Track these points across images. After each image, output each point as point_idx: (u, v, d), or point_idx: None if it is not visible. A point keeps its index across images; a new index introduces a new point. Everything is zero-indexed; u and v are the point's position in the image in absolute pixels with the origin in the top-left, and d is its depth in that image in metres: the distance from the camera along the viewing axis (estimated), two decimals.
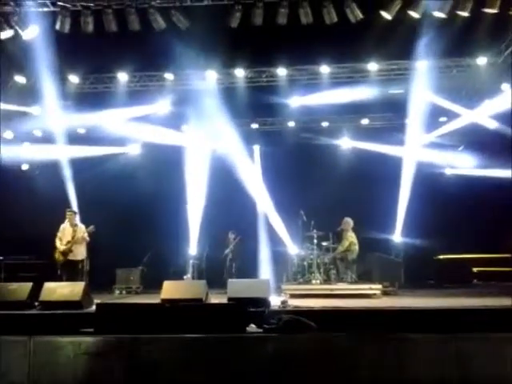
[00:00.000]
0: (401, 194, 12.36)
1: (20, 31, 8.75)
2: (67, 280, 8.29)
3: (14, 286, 7.41)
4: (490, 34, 9.44)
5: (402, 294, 9.57)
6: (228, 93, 11.60)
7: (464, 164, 12.56)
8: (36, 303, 7.25)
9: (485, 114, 11.52)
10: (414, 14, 8.72)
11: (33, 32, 8.92)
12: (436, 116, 12.37)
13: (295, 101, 12.16)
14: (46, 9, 8.91)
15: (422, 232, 11.97)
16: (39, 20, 8.93)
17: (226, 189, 12.05)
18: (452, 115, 12.18)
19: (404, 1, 8.63)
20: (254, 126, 13.49)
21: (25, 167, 12.96)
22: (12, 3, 8.69)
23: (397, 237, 12.39)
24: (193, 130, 12.96)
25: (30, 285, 7.37)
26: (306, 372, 5.35)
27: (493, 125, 11.36)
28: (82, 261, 8.90)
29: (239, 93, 11.65)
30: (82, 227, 8.98)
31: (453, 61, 11.11)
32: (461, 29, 8.93)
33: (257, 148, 13.78)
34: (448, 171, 13.20)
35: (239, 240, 11.35)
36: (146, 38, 9.07)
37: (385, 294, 9.27)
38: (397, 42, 9.47)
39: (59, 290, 7.24)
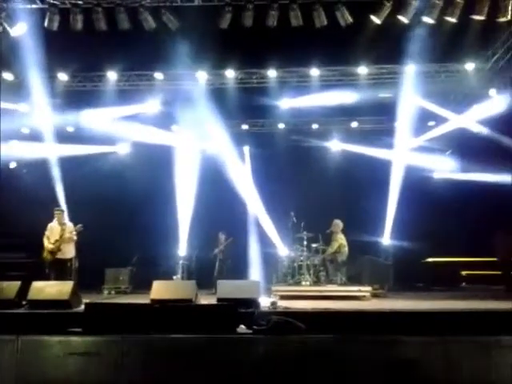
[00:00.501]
0: (390, 196, 12.45)
1: (8, 28, 8.66)
2: (55, 279, 8.19)
3: (1, 284, 7.30)
4: (478, 40, 9.55)
5: (391, 297, 9.62)
6: (218, 94, 11.60)
7: (452, 168, 12.68)
8: (24, 302, 7.16)
9: (473, 119, 11.65)
10: (403, 19, 8.80)
11: (21, 29, 8.83)
12: (424, 120, 12.49)
13: (285, 103, 12.19)
14: (34, 6, 8.82)
15: (410, 235, 12.04)
16: (27, 17, 8.83)
17: (215, 189, 12.04)
18: (440, 119, 12.30)
19: (393, 5, 8.70)
20: (245, 127, 13.50)
21: (12, 165, 12.82)
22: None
23: (386, 239, 12.48)
24: (183, 130, 12.93)
25: (18, 283, 7.27)
26: (295, 373, 5.36)
27: (480, 130, 11.49)
28: (71, 259, 8.82)
29: (229, 94, 11.64)
30: (70, 226, 8.90)
31: (441, 66, 11.23)
32: (449, 34, 9.02)
33: (247, 149, 13.80)
34: (436, 175, 13.31)
35: (231, 241, 11.33)
36: (136, 37, 9.02)
37: (374, 296, 9.31)
38: (386, 46, 9.56)
39: (47, 289, 7.16)
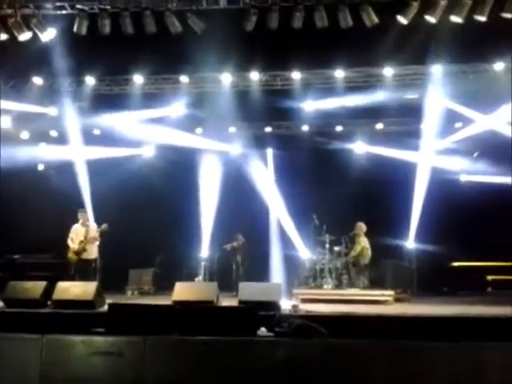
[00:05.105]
0: (415, 199, 12.24)
1: (38, 33, 8.83)
2: (80, 279, 8.37)
3: (28, 284, 7.51)
4: (508, 39, 9.30)
5: (414, 301, 9.50)
6: (242, 96, 11.60)
7: (479, 170, 12.41)
8: (49, 302, 7.33)
9: (501, 120, 11.38)
10: (431, 19, 8.65)
11: (51, 34, 9.00)
12: (451, 121, 12.22)
13: (309, 105, 12.09)
14: (64, 11, 8.99)
15: (435, 238, 11.80)
16: (57, 22, 9.00)
17: (238, 192, 12.07)
18: (467, 121, 12.04)
19: (420, 5, 8.56)
20: (268, 129, 13.45)
21: (41, 167, 13.12)
22: (31, 6, 8.78)
23: (410, 243, 12.26)
24: (207, 132, 13.00)
25: (43, 284, 7.47)
26: (317, 377, 5.34)
27: (509, 131, 11.22)
28: (95, 260, 9.01)
29: (253, 96, 11.62)
30: (94, 226, 9.08)
31: (470, 66, 10.99)
32: (478, 34, 8.80)
33: (270, 151, 13.76)
34: (463, 177, 13.06)
35: (242, 243, 11.34)
36: (163, 40, 9.11)
37: (397, 300, 9.21)
38: (413, 47, 9.37)
39: (72, 289, 7.33)
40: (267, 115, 12.56)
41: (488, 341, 5.50)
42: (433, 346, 5.43)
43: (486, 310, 7.76)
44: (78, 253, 8.75)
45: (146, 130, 12.48)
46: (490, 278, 11.50)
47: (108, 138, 12.58)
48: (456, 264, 12.02)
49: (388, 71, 10.95)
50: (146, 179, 12.74)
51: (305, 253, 11.24)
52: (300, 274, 10.75)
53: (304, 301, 8.71)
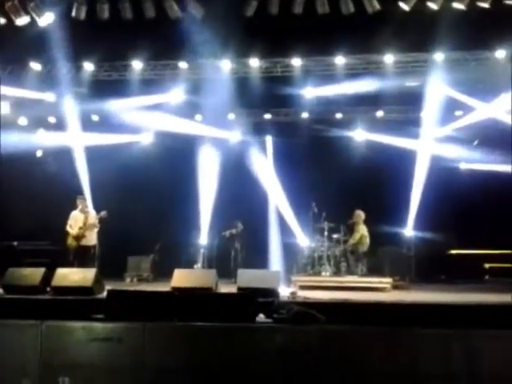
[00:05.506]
0: (414, 187, 12.27)
1: (36, 18, 8.75)
2: (79, 266, 8.39)
3: (27, 270, 7.53)
4: (511, 26, 9.22)
5: (412, 289, 9.54)
6: (242, 82, 11.51)
7: (479, 159, 12.40)
8: (48, 288, 7.35)
9: (501, 109, 11.34)
10: (433, 5, 8.57)
11: (49, 19, 8.92)
12: (451, 109, 12.18)
13: (309, 92, 12.02)
14: None
15: (434, 226, 11.83)
16: (55, 7, 8.91)
17: (237, 179, 12.05)
18: (468, 109, 12.00)
19: None
20: (267, 116, 13.38)
21: (39, 154, 13.08)
22: None
23: (409, 231, 12.29)
24: (206, 119, 12.94)
25: (42, 270, 7.48)
26: (315, 363, 5.38)
27: (509, 119, 11.18)
28: (94, 246, 9.03)
29: (253, 83, 11.53)
30: (92, 213, 9.09)
31: (471, 53, 10.90)
32: (480, 20, 8.73)
33: (269, 139, 13.71)
34: (462, 166, 13.05)
35: (241, 230, 11.38)
36: (161, 25, 9.03)
37: (395, 287, 9.26)
38: (414, 34, 9.29)
39: (71, 275, 7.35)
40: (267, 102, 12.48)
41: (484, 328, 5.53)
42: (429, 332, 5.47)
43: (483, 297, 7.80)
44: (77, 238, 8.76)
45: (144, 116, 12.41)
46: (487, 265, 11.53)
47: (106, 125, 12.54)
48: (454, 252, 12.06)
49: (389, 58, 10.86)
50: (145, 166, 12.67)
51: (303, 240, 11.28)
52: (298, 261, 10.79)
53: (302, 288, 8.74)
